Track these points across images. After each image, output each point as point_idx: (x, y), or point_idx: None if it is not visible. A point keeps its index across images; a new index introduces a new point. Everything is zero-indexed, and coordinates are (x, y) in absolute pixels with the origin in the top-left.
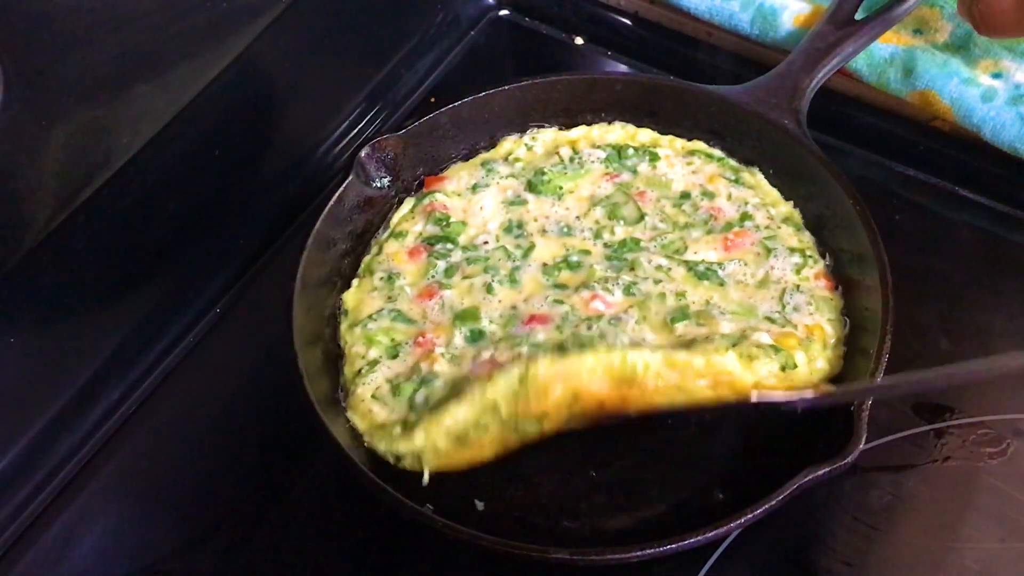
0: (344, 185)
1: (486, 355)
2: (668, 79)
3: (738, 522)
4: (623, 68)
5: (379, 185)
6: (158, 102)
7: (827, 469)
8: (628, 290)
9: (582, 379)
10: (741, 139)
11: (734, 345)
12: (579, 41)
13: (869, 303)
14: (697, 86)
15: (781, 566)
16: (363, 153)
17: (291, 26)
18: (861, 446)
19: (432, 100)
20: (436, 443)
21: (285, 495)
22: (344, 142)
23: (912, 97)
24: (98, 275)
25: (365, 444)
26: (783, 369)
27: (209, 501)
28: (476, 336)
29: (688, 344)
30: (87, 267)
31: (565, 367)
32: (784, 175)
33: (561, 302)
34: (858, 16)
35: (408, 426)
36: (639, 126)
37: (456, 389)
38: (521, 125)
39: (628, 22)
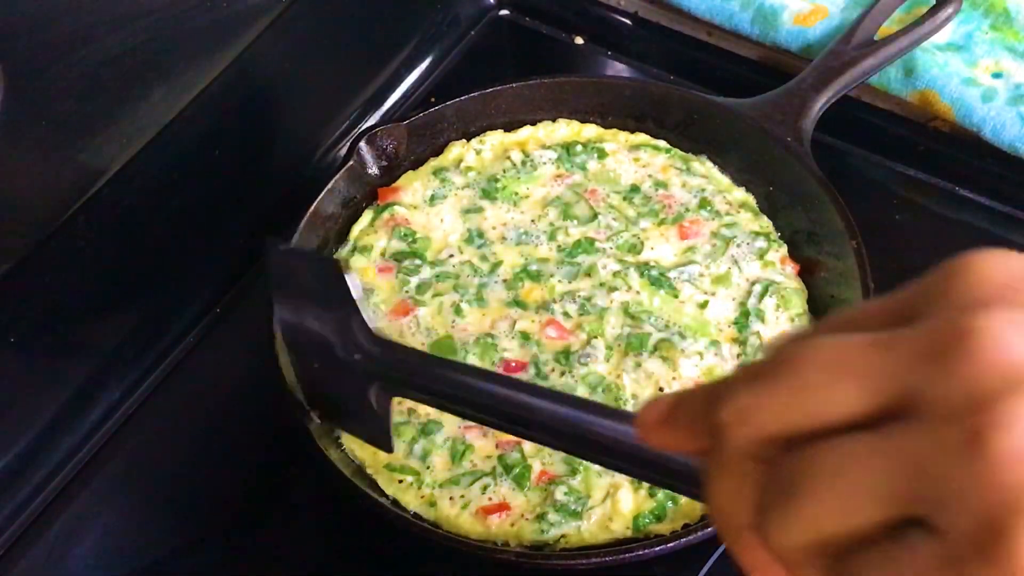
0: (343, 170)
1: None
2: (678, 88)
3: (652, 550)
4: (623, 68)
5: (375, 173)
6: (158, 102)
7: None
8: (583, 307)
9: None
10: (742, 152)
11: None
12: (579, 41)
13: (837, 292)
14: (705, 97)
15: None
16: (363, 142)
17: (291, 26)
18: None
19: (432, 100)
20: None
21: (286, 495)
22: (344, 143)
23: (912, 97)
24: (98, 275)
25: (369, 475)
26: None
27: (210, 501)
28: None
29: None
30: (87, 267)
31: None
32: (782, 193)
33: (527, 337)
34: (877, 36)
35: (421, 484)
36: (633, 132)
37: (455, 452)
38: (526, 123)
39: (628, 22)
